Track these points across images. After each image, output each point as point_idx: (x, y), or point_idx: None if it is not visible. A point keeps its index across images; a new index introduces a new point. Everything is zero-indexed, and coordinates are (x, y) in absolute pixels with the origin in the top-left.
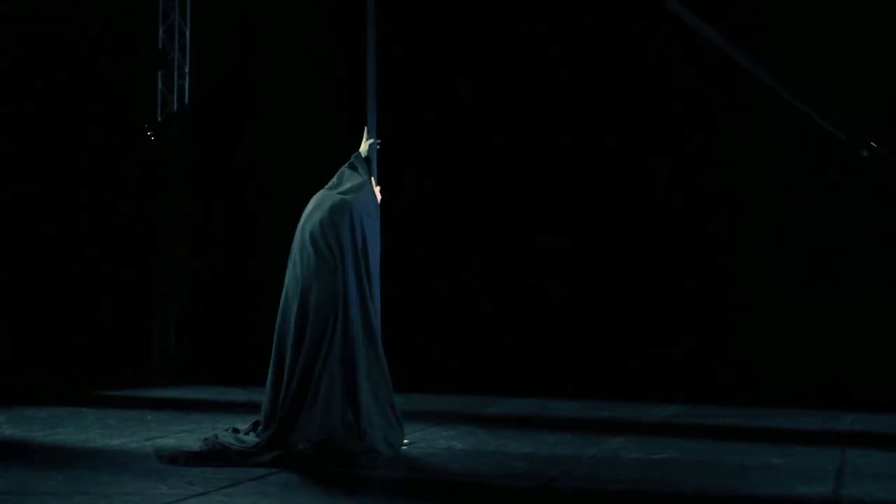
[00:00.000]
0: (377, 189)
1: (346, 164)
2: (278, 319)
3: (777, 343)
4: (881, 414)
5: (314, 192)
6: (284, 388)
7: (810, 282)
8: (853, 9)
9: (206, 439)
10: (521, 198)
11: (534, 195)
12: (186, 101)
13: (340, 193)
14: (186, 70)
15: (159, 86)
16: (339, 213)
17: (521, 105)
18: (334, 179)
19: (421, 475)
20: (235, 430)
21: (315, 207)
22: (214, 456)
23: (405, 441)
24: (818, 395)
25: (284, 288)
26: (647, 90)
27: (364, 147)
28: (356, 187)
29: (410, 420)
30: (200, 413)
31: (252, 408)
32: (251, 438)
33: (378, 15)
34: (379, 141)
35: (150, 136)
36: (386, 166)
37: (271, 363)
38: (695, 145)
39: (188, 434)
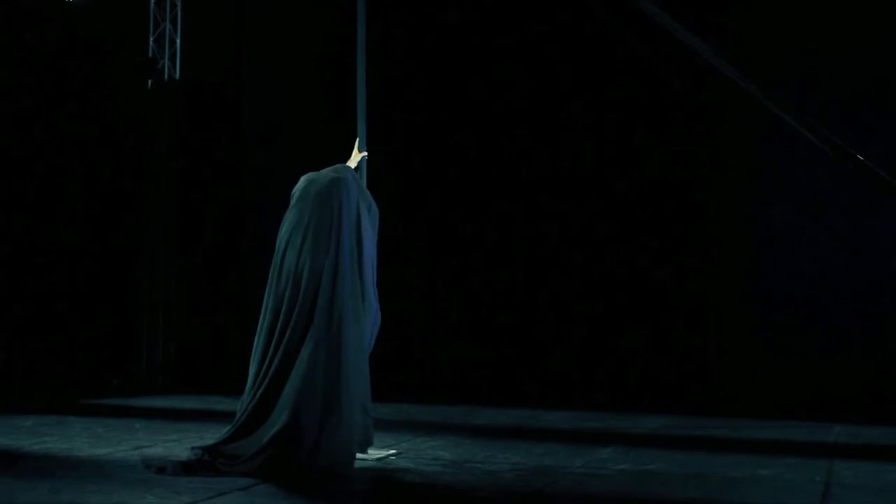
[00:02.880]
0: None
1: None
2: (272, 287)
3: (765, 355)
4: (868, 425)
5: None
6: (266, 364)
7: (798, 294)
8: (843, 11)
9: (193, 448)
10: (517, 202)
11: (529, 201)
12: (176, 110)
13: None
14: (176, 78)
15: None
16: (337, 190)
17: (516, 107)
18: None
19: (408, 485)
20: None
21: (309, 183)
22: (202, 465)
23: (392, 452)
24: (806, 407)
25: (280, 257)
26: (635, 92)
27: (354, 160)
28: (348, 170)
29: (398, 430)
30: (188, 422)
31: None
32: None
33: (368, 24)
34: (366, 153)
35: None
36: (378, 168)
37: (261, 330)
38: (687, 154)
39: (176, 443)
